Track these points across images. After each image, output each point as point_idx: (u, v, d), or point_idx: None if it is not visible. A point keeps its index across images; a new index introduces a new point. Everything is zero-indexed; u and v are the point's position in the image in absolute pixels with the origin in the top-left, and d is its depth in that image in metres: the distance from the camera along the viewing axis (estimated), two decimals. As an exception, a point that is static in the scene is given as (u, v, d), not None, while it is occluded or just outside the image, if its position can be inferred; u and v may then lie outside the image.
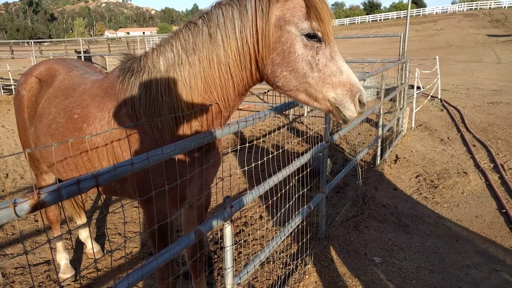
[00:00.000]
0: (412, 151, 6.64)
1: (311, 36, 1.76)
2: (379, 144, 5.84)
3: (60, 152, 2.49)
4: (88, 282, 3.30)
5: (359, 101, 1.80)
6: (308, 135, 6.44)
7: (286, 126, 8.81)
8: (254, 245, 3.82)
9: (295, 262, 3.29)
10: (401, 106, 7.57)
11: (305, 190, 3.17)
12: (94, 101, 2.25)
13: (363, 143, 7.17)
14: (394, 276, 3.27)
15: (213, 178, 2.43)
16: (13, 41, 32.20)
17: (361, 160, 6.12)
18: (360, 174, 5.05)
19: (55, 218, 3.38)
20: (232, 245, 2.15)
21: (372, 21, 67.93)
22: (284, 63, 1.80)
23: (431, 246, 3.75)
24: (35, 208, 1.13)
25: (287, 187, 2.87)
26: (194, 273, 2.70)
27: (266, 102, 11.37)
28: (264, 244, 3.80)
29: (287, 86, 1.85)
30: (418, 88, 8.86)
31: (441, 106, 10.27)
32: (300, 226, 3.24)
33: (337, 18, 72.30)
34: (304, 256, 3.33)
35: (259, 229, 4.12)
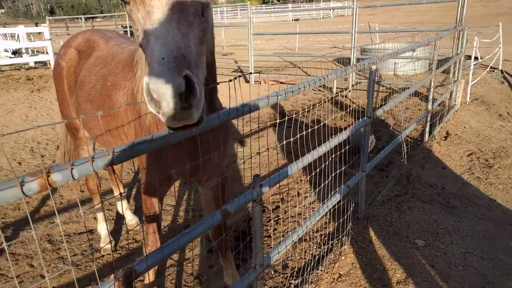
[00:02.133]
0: (465, 127, 6.14)
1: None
2: (428, 119, 5.44)
3: (96, 120, 2.59)
4: (127, 253, 3.40)
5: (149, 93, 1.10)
6: (350, 109, 6.16)
7: (328, 100, 8.49)
8: (290, 222, 3.73)
9: (331, 242, 3.16)
10: (455, 79, 6.98)
11: (344, 167, 2.99)
12: (124, 69, 2.33)
13: (411, 118, 6.74)
14: (438, 261, 3.06)
15: (222, 158, 2.30)
16: (68, 17, 33.51)
17: (408, 136, 5.75)
18: (405, 151, 4.75)
19: (95, 189, 3.48)
20: (261, 226, 2.06)
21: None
22: None
23: (482, 231, 3.47)
24: (44, 187, 1.09)
25: (325, 164, 2.71)
26: (220, 251, 2.68)
27: (309, 75, 11.02)
28: (301, 222, 3.71)
29: None
30: (476, 58, 8.11)
31: (502, 78, 9.39)
32: (337, 205, 3.10)
33: (388, -16, 67.90)
34: (340, 236, 3.19)
35: (296, 206, 4.02)
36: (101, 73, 2.57)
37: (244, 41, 22.41)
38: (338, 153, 2.90)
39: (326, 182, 2.68)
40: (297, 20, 43.06)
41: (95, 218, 3.99)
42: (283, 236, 3.52)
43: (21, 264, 3.28)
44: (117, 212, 4.08)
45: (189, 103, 1.08)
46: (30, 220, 1.18)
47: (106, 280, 1.30)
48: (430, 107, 5.32)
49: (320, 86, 9.95)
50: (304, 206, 4.00)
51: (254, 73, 10.57)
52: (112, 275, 1.32)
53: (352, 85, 9.26)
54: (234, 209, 1.84)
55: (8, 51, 17.03)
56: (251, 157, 2.12)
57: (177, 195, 4.44)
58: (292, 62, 14.39)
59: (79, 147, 3.29)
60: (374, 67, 2.97)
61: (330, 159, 2.71)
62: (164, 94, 1.03)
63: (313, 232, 3.39)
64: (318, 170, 2.75)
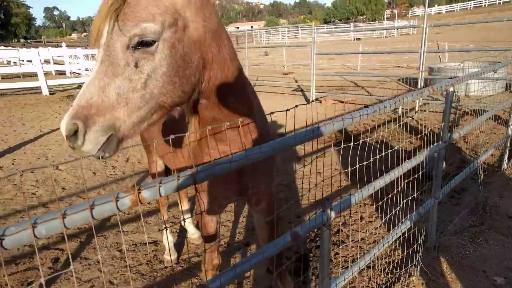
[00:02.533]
0: (551, 155, 5.57)
1: None
2: (508, 144, 5.01)
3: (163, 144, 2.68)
4: (188, 266, 3.48)
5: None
6: (420, 131, 5.86)
7: (393, 121, 8.18)
8: (352, 247, 3.59)
9: (398, 271, 2.99)
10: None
11: (416, 194, 2.83)
12: None
13: (486, 142, 6.26)
14: (522, 304, 2.76)
15: (268, 182, 2.23)
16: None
17: (483, 162, 5.34)
18: (481, 178, 4.40)
19: (164, 202, 3.63)
20: (330, 251, 2.00)
21: (504, 2, 58.55)
22: None
23: None
24: (135, 203, 1.15)
25: (397, 190, 2.59)
26: (279, 277, 2.60)
27: (371, 95, 10.74)
28: (364, 247, 3.55)
29: None
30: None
31: None
32: (406, 233, 2.93)
33: (460, 2, 64.97)
34: (409, 266, 3.01)
35: (359, 231, 3.87)
36: None
37: (304, 61, 22.53)
38: (410, 178, 2.76)
39: (398, 208, 2.55)
40: (359, 39, 42.52)
41: (159, 230, 4.15)
42: (345, 261, 3.40)
43: (92, 269, 3.49)
44: (181, 225, 4.20)
45: (73, 145, 1.31)
46: (93, 230, 1.25)
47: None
48: (510, 131, 4.91)
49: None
50: (367, 231, 3.84)
51: (317, 95, 10.51)
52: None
53: (419, 106, 8.86)
54: (304, 232, 1.81)
55: (88, 70, 18.63)
56: (310, 177, 2.08)
57: (236, 211, 4.48)
58: (354, 82, 14.15)
59: (150, 159, 3.47)
60: (452, 88, 2.81)
61: (402, 184, 2.58)
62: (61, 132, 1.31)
63: (378, 259, 3.23)
64: (386, 195, 2.63)
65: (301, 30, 48.36)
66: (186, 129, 1.79)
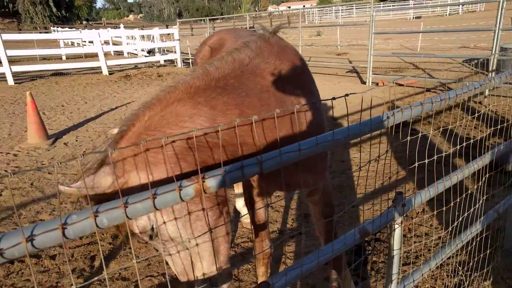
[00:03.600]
0: None
1: None
2: None
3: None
4: (241, 251, 3.44)
5: None
6: (491, 118, 5.33)
7: (458, 107, 7.56)
8: (415, 242, 3.35)
9: (471, 273, 2.72)
10: None
11: (493, 191, 2.53)
12: None
13: None
14: None
15: (321, 172, 2.03)
16: (193, 19, 36.62)
17: None
18: None
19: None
20: (400, 248, 1.82)
21: None
22: None
23: None
24: (199, 192, 1.05)
25: (477, 185, 2.32)
26: (336, 269, 2.48)
27: (433, 77, 10.01)
28: (429, 243, 3.29)
29: None
30: None
31: None
32: (484, 233, 2.65)
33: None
34: (485, 269, 2.72)
35: (423, 225, 3.60)
36: None
37: (359, 41, 21.57)
38: (486, 174, 2.46)
39: (477, 206, 2.28)
40: (418, 17, 39.91)
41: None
42: (407, 257, 3.17)
43: (149, 247, 3.55)
44: (235, 209, 4.17)
45: None
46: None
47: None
48: None
49: (444, 89, 8.96)
50: (431, 226, 3.56)
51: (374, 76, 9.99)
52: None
53: (489, 89, 8.10)
54: (374, 229, 1.64)
55: (144, 51, 19.19)
56: (369, 163, 1.88)
57: (288, 196, 4.36)
58: (413, 63, 13.30)
59: None
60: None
61: (482, 180, 2.30)
62: None
63: (448, 258, 2.97)
64: (459, 192, 2.36)
65: (356, 8, 46.26)
66: None
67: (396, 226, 1.77)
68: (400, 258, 1.84)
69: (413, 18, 40.61)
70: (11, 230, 3.90)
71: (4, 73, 12.97)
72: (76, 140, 6.90)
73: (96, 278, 1.07)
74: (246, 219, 3.81)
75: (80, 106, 9.68)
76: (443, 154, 1.95)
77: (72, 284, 3.05)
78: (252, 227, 2.32)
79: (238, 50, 1.74)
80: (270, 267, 2.68)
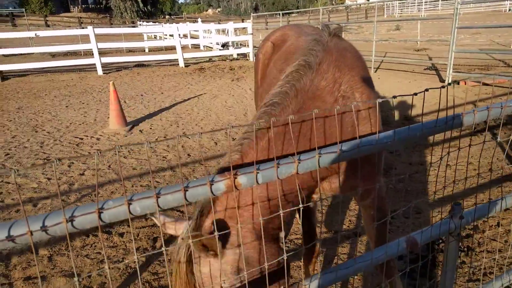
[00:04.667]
0: None
1: None
2: None
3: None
4: (294, 247, 3.43)
5: None
6: None
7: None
8: (484, 257, 3.06)
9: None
10: None
11: None
12: None
13: None
14: None
15: (368, 174, 1.92)
16: (268, 13, 36.92)
17: None
18: None
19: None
20: (455, 264, 1.68)
21: None
22: None
23: None
24: (230, 188, 1.08)
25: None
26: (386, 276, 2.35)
27: (528, 77, 8.94)
28: (501, 261, 2.99)
29: None
30: None
31: None
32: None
33: None
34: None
35: (495, 240, 3.27)
36: (280, 67, 2.50)
37: (442, 36, 19.99)
38: None
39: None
40: (516, 9, 35.83)
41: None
42: (473, 273, 2.92)
43: (205, 235, 3.70)
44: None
45: None
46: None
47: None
48: None
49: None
50: (506, 242, 3.22)
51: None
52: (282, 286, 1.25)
53: None
54: (424, 240, 1.54)
55: (218, 44, 19.82)
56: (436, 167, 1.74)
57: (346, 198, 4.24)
58: (505, 61, 12.01)
59: None
60: None
61: None
62: None
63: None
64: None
65: (442, 0, 42.89)
66: None
67: (452, 239, 1.63)
68: (454, 272, 1.70)
69: (509, 10, 36.55)
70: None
71: (94, 64, 14.30)
72: (151, 128, 7.39)
73: (156, 259, 1.14)
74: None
75: (156, 96, 10.33)
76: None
77: (135, 261, 3.31)
78: (301, 226, 2.30)
79: (299, 73, 1.75)
80: (320, 267, 2.65)
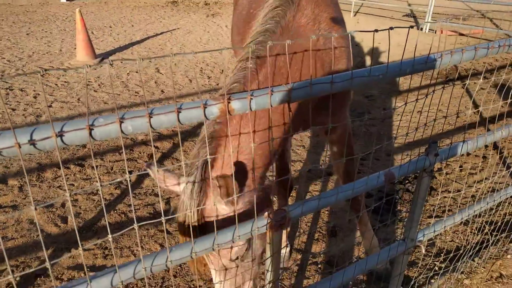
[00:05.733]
0: None
1: None
2: None
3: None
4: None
5: None
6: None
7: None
8: (445, 197, 3.28)
9: (495, 233, 2.66)
10: None
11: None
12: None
13: None
14: None
15: (341, 106, 2.03)
16: None
17: None
18: None
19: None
20: (424, 199, 1.79)
21: None
22: None
23: None
24: (224, 113, 1.06)
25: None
26: (355, 211, 2.48)
27: (500, 29, 9.08)
28: (459, 200, 3.22)
29: None
30: None
31: None
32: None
33: None
34: (510, 231, 2.66)
35: (456, 181, 3.50)
36: None
37: (424, -18, 19.62)
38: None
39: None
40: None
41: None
42: (433, 210, 3.14)
43: (181, 170, 3.73)
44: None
45: None
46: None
47: (260, 216, 1.29)
48: None
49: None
50: (466, 183, 3.45)
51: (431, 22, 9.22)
52: (266, 212, 1.29)
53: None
54: (401, 174, 1.61)
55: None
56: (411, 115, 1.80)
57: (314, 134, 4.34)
58: (480, 11, 12.05)
59: None
60: None
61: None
62: None
63: (475, 216, 2.90)
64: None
65: None
66: None
67: (425, 174, 1.72)
68: (423, 207, 1.81)
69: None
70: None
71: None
72: (121, 62, 7.05)
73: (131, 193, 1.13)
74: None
75: (126, 28, 9.75)
76: (491, 106, 1.82)
77: (110, 193, 3.30)
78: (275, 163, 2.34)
79: (282, 9, 1.69)
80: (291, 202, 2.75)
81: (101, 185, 0.93)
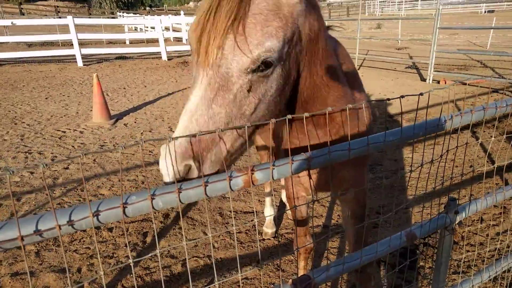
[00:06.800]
0: None
1: None
2: None
3: None
4: (285, 242, 3.48)
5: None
6: None
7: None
8: (468, 251, 3.19)
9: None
10: None
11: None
12: None
13: None
14: None
15: (359, 171, 1.92)
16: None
17: None
18: None
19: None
20: (449, 258, 1.76)
21: None
22: None
23: None
24: (248, 184, 1.10)
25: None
26: (357, 278, 2.30)
27: (502, 77, 9.28)
28: (483, 254, 3.13)
29: None
30: None
31: None
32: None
33: None
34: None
35: (477, 234, 3.41)
36: None
37: (421, 35, 20.43)
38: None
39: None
40: (491, 11, 36.92)
41: (259, 200, 4.22)
42: (458, 265, 3.04)
43: (196, 229, 3.71)
44: (281, 200, 4.22)
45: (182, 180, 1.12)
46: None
47: (284, 285, 1.28)
48: None
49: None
50: (488, 236, 3.36)
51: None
52: (291, 280, 1.28)
53: None
54: (423, 234, 1.60)
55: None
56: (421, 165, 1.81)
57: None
58: (481, 61, 12.40)
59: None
60: None
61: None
62: (163, 175, 1.14)
63: (503, 272, 2.80)
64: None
65: (421, 0, 43.73)
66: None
67: (447, 233, 1.71)
68: (448, 266, 1.77)
69: (485, 12, 37.65)
70: (76, 201, 4.25)
71: (74, 55, 13.94)
72: (135, 122, 7.29)
73: (148, 255, 1.15)
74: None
75: (140, 89, 10.18)
76: (505, 162, 1.84)
77: (126, 256, 3.28)
78: (294, 222, 2.31)
79: None
80: (311, 261, 2.70)
81: (133, 262, 0.95)
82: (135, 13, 37.65)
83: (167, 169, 1.11)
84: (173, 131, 6.31)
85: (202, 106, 1.15)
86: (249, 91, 1.20)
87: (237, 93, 1.18)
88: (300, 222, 2.37)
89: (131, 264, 0.88)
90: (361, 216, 2.10)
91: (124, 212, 0.94)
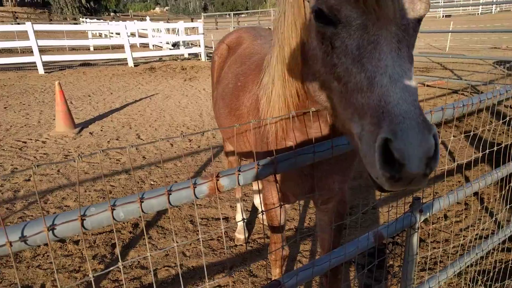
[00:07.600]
0: None
1: (320, 16, 1.05)
2: None
3: (224, 119, 2.53)
4: (257, 247, 3.46)
5: (390, 153, 0.85)
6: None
7: (485, 110, 7.32)
8: (434, 248, 3.29)
9: (489, 283, 2.66)
10: None
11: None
12: (254, 71, 2.14)
13: None
14: None
15: (343, 181, 1.88)
16: (218, 13, 36.81)
17: None
18: None
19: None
20: (416, 254, 1.80)
21: None
22: (306, 65, 1.27)
23: None
24: (213, 191, 1.08)
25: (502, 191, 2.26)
26: (326, 283, 2.24)
27: (461, 79, 9.72)
28: (449, 250, 3.23)
29: (320, 102, 1.25)
30: None
31: None
32: (502, 243, 2.57)
33: None
34: (503, 280, 2.66)
35: (442, 230, 3.53)
36: (236, 72, 2.48)
37: (386, 39, 21.06)
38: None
39: (500, 215, 2.23)
40: (448, 16, 38.72)
41: (231, 206, 4.19)
42: (425, 262, 3.13)
43: (167, 238, 3.63)
44: (253, 205, 4.20)
45: (430, 169, 0.85)
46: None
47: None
48: None
49: (472, 92, 8.69)
50: (452, 232, 3.48)
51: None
52: (260, 287, 1.27)
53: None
54: (390, 234, 1.63)
55: (169, 43, 19.42)
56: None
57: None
58: (441, 63, 12.94)
59: (224, 141, 3.47)
60: None
61: (506, 188, 2.24)
62: (414, 156, 0.81)
63: (467, 267, 2.90)
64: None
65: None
66: None
67: (413, 231, 1.75)
68: (415, 263, 1.82)
69: (443, 16, 39.45)
70: (38, 215, 4.06)
71: (35, 62, 13.41)
72: (101, 130, 7.08)
73: (115, 266, 1.10)
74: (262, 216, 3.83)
75: (105, 96, 9.91)
76: (465, 160, 1.91)
77: (93, 269, 3.16)
78: (270, 229, 2.25)
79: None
80: (285, 267, 2.69)
81: (93, 277, 0.90)
82: (99, 19, 36.72)
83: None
84: (141, 139, 6.11)
85: (401, 64, 0.95)
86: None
87: (410, 46, 1.02)
88: (276, 229, 2.31)
89: (91, 280, 0.84)
90: (338, 227, 2.06)
91: (82, 225, 0.89)
